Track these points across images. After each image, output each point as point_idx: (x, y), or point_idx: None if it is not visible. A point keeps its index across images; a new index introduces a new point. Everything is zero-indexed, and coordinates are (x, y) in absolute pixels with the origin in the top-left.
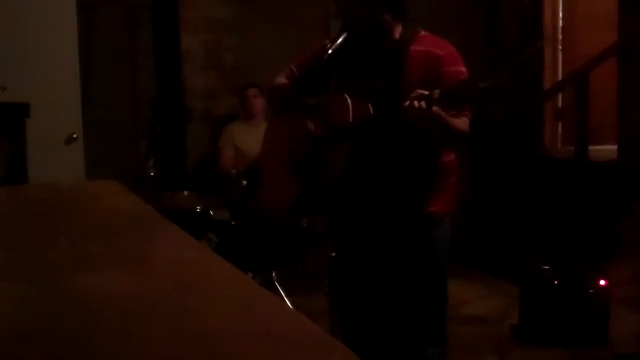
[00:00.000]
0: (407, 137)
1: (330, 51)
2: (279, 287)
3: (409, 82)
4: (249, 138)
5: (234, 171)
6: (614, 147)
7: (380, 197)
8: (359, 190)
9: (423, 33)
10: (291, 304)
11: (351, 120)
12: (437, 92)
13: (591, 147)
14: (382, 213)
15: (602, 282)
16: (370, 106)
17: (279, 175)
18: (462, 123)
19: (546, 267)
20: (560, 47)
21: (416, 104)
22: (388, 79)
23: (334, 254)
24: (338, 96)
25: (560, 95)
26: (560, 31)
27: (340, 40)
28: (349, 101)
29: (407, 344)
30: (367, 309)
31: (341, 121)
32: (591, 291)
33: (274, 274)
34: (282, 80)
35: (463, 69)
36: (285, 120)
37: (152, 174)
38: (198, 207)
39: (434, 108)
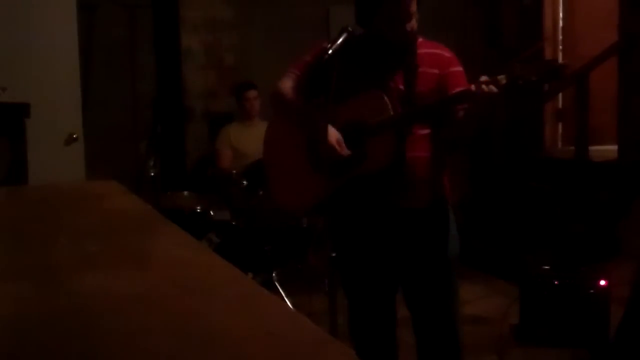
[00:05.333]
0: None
1: (330, 51)
2: (279, 287)
3: (426, 81)
4: (246, 138)
5: (234, 171)
6: (614, 147)
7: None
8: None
9: (420, 39)
10: (291, 304)
11: (391, 113)
12: (503, 78)
13: (591, 147)
14: (385, 203)
15: (602, 282)
16: (394, 104)
17: (296, 176)
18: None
19: (546, 267)
20: (560, 47)
21: (485, 87)
22: (406, 78)
23: (334, 254)
24: (372, 92)
25: (560, 95)
26: (560, 31)
27: (340, 40)
28: (385, 97)
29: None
30: (375, 309)
31: (380, 115)
32: (591, 291)
33: (274, 274)
34: (287, 85)
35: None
36: (293, 122)
37: (152, 174)
38: (198, 207)
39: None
